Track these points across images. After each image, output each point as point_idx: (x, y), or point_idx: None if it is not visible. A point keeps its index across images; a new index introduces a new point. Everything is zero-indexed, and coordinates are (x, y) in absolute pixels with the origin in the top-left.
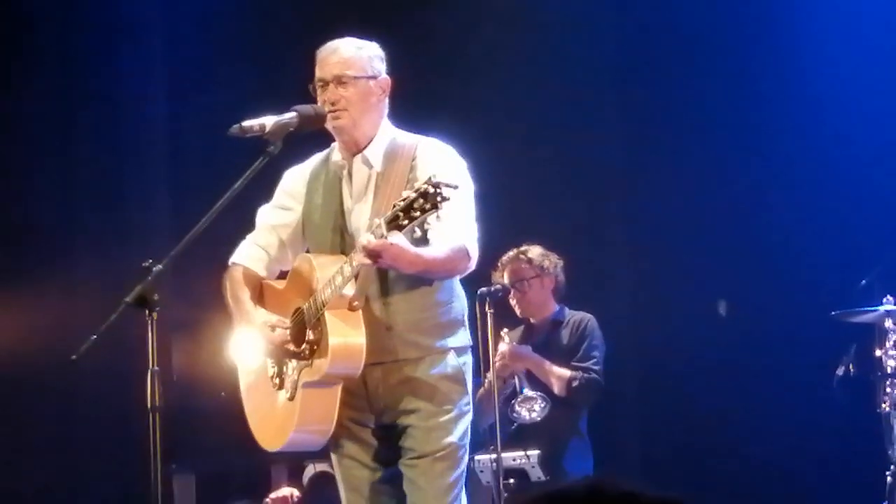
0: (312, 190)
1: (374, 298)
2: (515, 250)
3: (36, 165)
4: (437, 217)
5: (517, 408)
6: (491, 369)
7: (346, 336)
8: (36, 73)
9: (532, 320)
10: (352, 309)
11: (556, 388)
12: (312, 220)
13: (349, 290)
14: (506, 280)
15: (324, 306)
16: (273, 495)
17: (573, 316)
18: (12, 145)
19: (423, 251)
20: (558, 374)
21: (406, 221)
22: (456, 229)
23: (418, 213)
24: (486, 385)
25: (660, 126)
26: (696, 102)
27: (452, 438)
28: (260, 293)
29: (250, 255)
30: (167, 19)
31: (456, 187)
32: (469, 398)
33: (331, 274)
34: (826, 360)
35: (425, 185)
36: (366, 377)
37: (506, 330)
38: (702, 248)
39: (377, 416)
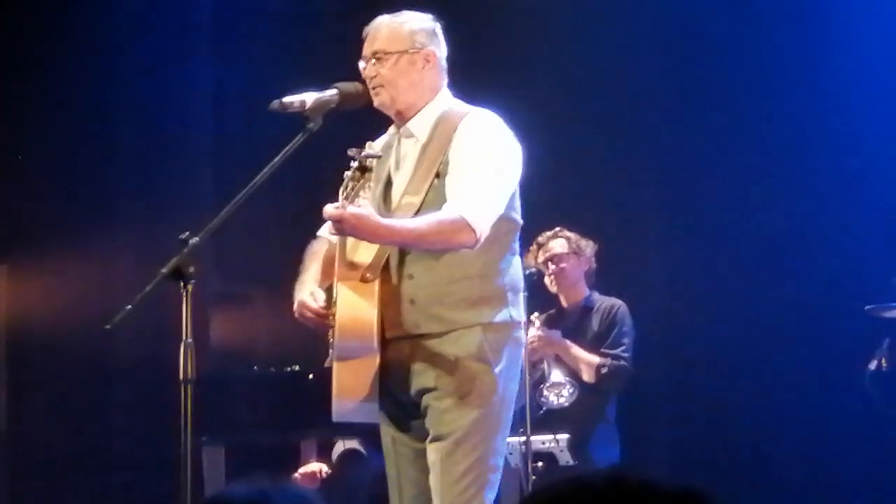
0: (381, 161)
1: (396, 271)
2: (551, 230)
3: (77, 137)
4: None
5: (545, 392)
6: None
7: (356, 309)
8: (78, 50)
9: (563, 304)
10: (364, 280)
11: (585, 375)
12: (375, 192)
13: (365, 259)
14: (541, 258)
15: (337, 278)
16: (302, 470)
17: (604, 302)
18: (55, 118)
19: (393, 223)
20: (587, 361)
21: (350, 193)
22: (461, 199)
23: (354, 184)
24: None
25: (701, 118)
26: (738, 97)
27: (465, 420)
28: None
29: (329, 227)
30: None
31: (378, 157)
32: (496, 378)
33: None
34: (859, 355)
35: (351, 156)
36: (397, 352)
37: (535, 314)
38: (736, 241)
39: (406, 393)
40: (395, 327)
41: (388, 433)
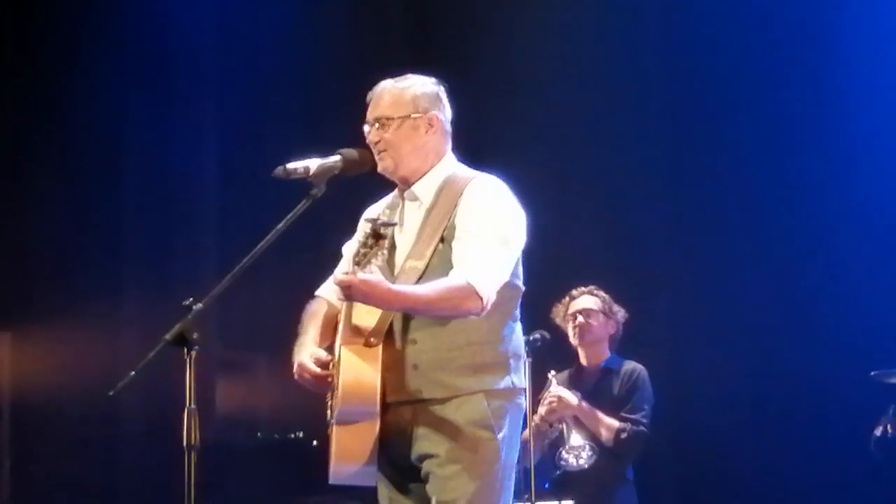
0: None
1: (400, 336)
2: (586, 287)
3: (85, 203)
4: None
5: (564, 454)
6: (530, 413)
7: (359, 373)
8: (85, 119)
9: (583, 362)
10: (368, 345)
11: (604, 438)
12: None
13: (369, 324)
14: (570, 309)
15: (341, 342)
16: None
17: (625, 365)
18: (61, 186)
19: (402, 289)
20: (607, 424)
21: (361, 258)
22: (468, 266)
23: (368, 251)
24: (530, 427)
25: (704, 182)
26: (745, 164)
27: (470, 487)
28: (335, 326)
29: (329, 288)
30: (218, 60)
31: (393, 225)
32: (499, 445)
33: (354, 308)
34: (864, 421)
35: (367, 223)
36: (399, 417)
37: (553, 372)
38: (741, 307)
39: (407, 458)
40: (398, 392)
41: (386, 497)
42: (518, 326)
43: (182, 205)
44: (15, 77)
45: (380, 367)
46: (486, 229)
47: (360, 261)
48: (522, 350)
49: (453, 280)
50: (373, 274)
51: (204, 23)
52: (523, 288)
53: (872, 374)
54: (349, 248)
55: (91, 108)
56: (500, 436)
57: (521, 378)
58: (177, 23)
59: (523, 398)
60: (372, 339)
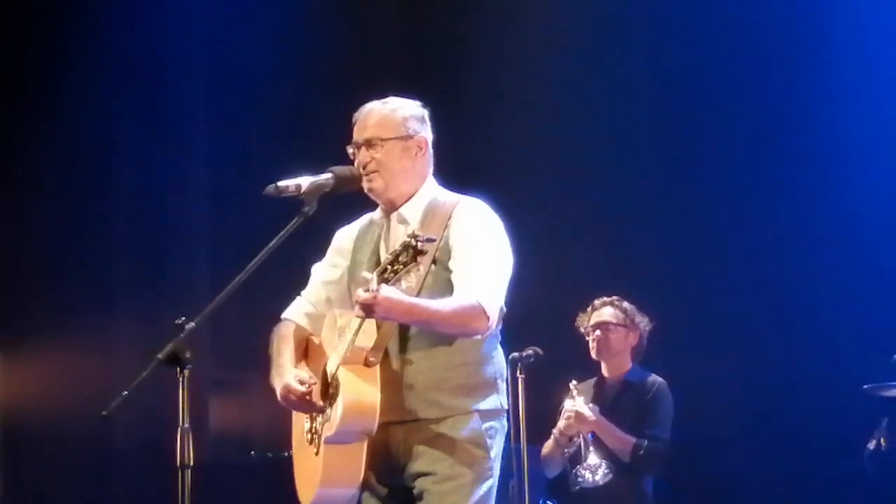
0: (357, 248)
1: (396, 356)
2: (609, 297)
3: (77, 222)
4: (447, 268)
5: (581, 471)
6: (524, 430)
7: (359, 392)
8: (75, 140)
9: (604, 373)
10: (367, 364)
11: (622, 454)
12: (355, 276)
13: (367, 344)
14: (591, 321)
15: (339, 361)
16: None
17: (646, 378)
18: (53, 205)
19: (423, 302)
20: (625, 441)
21: (391, 275)
22: (475, 285)
23: (400, 267)
24: (552, 440)
25: (699, 198)
26: (736, 173)
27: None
28: (305, 349)
29: (298, 310)
30: (207, 79)
31: (432, 241)
32: (491, 464)
33: (348, 328)
34: (857, 434)
35: (406, 238)
36: (389, 436)
37: (574, 382)
38: (734, 321)
39: (398, 477)
40: (392, 411)
41: None
42: (500, 347)
43: (173, 223)
44: (4, 99)
45: (379, 386)
46: (485, 250)
47: (390, 277)
48: (505, 371)
49: (465, 298)
50: (388, 289)
51: (193, 42)
52: (506, 309)
53: (865, 387)
54: (318, 270)
55: (82, 127)
56: (493, 454)
57: (505, 399)
58: (166, 41)
59: (506, 419)
60: (371, 359)
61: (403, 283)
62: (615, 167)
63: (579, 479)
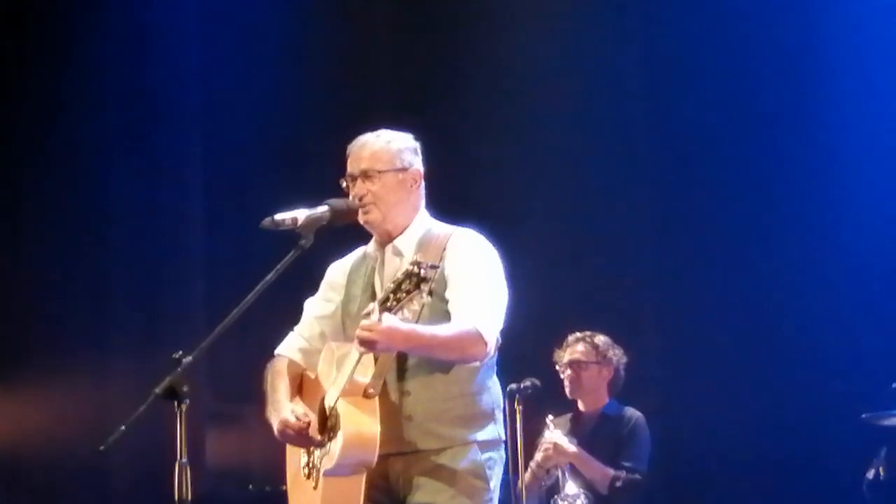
0: (351, 282)
1: (394, 387)
2: (582, 332)
3: (71, 257)
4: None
5: (560, 502)
6: (523, 461)
7: (359, 424)
8: (71, 170)
9: (581, 408)
10: (367, 396)
11: (599, 486)
12: (349, 310)
13: (365, 377)
14: (565, 358)
15: (339, 394)
16: None
17: (624, 412)
18: (49, 239)
19: (421, 328)
20: (602, 472)
21: (393, 303)
22: (472, 313)
23: (403, 295)
24: (529, 472)
25: (692, 221)
26: (728, 197)
27: None
28: (300, 384)
29: (292, 346)
30: (204, 111)
31: (436, 268)
32: (490, 494)
33: (346, 361)
34: (856, 464)
35: (409, 266)
36: (388, 468)
37: (551, 417)
38: (731, 348)
39: None
40: (391, 443)
41: None
42: (496, 378)
43: (169, 257)
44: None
45: (378, 418)
46: (481, 279)
47: (392, 305)
48: (501, 401)
49: (463, 325)
50: (389, 318)
51: (188, 73)
52: (501, 340)
53: (864, 416)
54: (311, 305)
55: (77, 161)
56: (492, 485)
57: (503, 429)
58: (161, 72)
59: (504, 450)
60: (370, 391)
61: (406, 311)
62: (611, 197)
63: None
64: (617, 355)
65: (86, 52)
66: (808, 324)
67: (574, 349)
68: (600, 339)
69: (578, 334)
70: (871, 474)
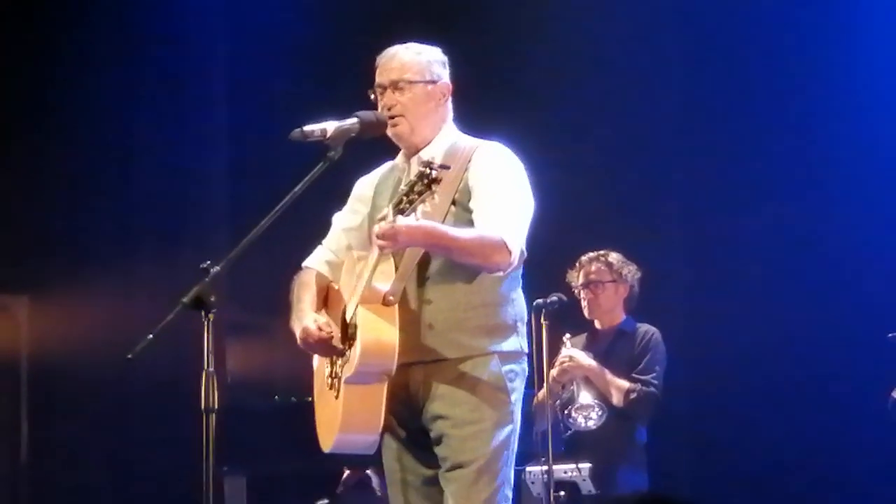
0: (378, 194)
1: (414, 296)
2: (595, 252)
3: (97, 169)
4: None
5: (573, 414)
6: (547, 376)
7: (378, 331)
8: (96, 81)
9: (597, 326)
10: (386, 304)
11: (614, 399)
12: (375, 222)
13: (385, 284)
14: (580, 280)
15: (358, 301)
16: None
17: (639, 328)
18: (74, 153)
19: (443, 227)
20: (617, 385)
21: (406, 205)
22: (497, 221)
23: (415, 197)
24: (544, 391)
25: (721, 136)
26: (761, 109)
27: (488, 449)
28: (326, 296)
29: (319, 258)
30: (229, 24)
31: (447, 168)
32: (511, 407)
33: (366, 269)
34: (882, 383)
35: (421, 168)
36: (408, 378)
37: (568, 335)
38: (759, 268)
39: (417, 419)
40: (411, 352)
41: (395, 461)
42: (521, 290)
43: (195, 167)
44: (27, 51)
45: (398, 325)
46: (507, 190)
47: (405, 207)
48: (525, 314)
49: (488, 231)
50: (404, 218)
51: None
52: (526, 253)
53: (890, 335)
54: (339, 218)
55: (102, 71)
56: (513, 398)
57: (526, 342)
58: None
59: (526, 362)
60: (390, 298)
61: (419, 212)
62: (639, 107)
63: (571, 423)
64: (631, 272)
65: None
66: (836, 241)
67: (588, 269)
68: (613, 256)
69: (591, 254)
70: (895, 393)
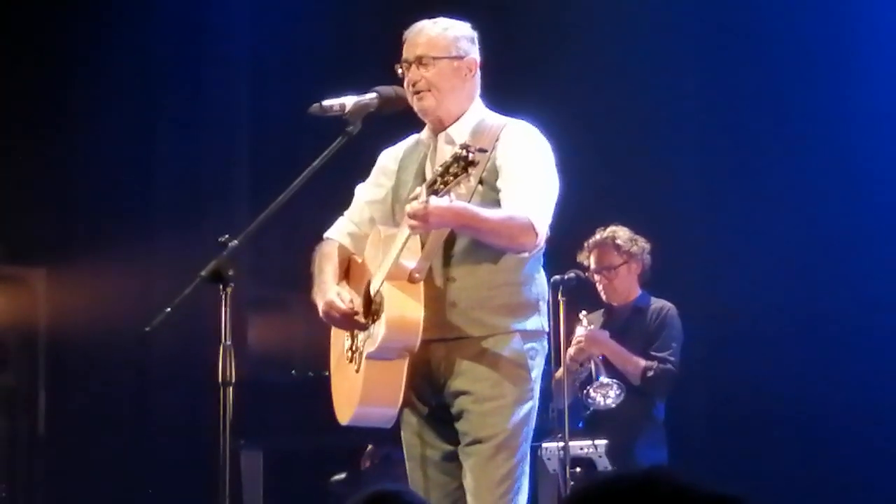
0: (402, 168)
1: (440, 273)
2: (602, 233)
3: (118, 144)
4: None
5: (592, 393)
6: (564, 354)
7: (403, 308)
8: (119, 56)
9: (614, 304)
10: (412, 281)
11: (632, 377)
12: (399, 196)
13: (411, 261)
14: (592, 264)
15: (384, 277)
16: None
17: (655, 303)
18: (97, 128)
19: (473, 207)
20: (634, 363)
21: (440, 186)
22: (524, 202)
23: (451, 178)
24: (564, 367)
25: (738, 115)
26: (780, 96)
27: (508, 425)
28: (347, 268)
29: (342, 230)
30: (251, 1)
31: (484, 152)
32: (532, 385)
33: (393, 245)
34: None
35: (458, 150)
36: (430, 354)
37: (584, 312)
38: (778, 242)
39: (438, 395)
40: (434, 329)
41: (415, 436)
42: (543, 270)
43: (215, 142)
44: (53, 32)
45: (423, 303)
46: (534, 170)
47: (439, 188)
48: (547, 293)
49: (515, 211)
50: (437, 199)
51: None
52: (549, 232)
53: None
54: (362, 190)
55: (126, 46)
56: (533, 375)
57: (547, 321)
58: None
59: (548, 341)
60: (416, 275)
61: (454, 195)
62: (660, 88)
63: (590, 402)
64: (640, 247)
65: None
66: (860, 214)
67: (598, 253)
68: (621, 235)
69: (598, 237)
70: None
